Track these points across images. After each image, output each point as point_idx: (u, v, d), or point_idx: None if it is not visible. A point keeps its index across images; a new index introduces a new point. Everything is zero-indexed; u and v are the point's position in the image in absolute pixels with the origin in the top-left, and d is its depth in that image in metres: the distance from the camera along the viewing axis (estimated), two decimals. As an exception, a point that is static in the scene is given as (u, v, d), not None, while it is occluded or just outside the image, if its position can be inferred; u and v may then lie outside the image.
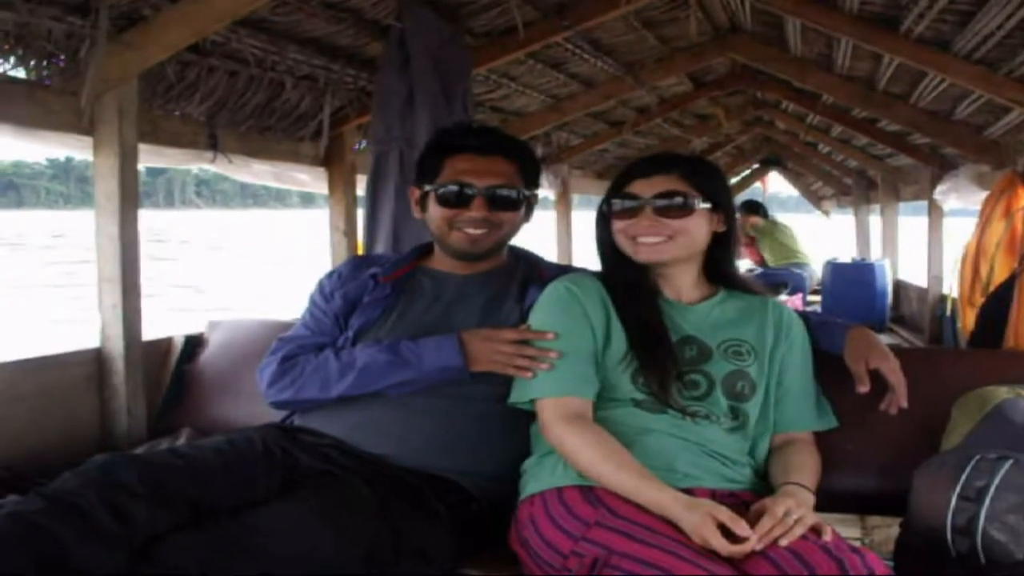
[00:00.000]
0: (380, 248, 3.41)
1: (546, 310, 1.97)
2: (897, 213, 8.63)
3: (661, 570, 1.51)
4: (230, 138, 3.40)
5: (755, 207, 9.29)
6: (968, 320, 4.27)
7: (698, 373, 1.90)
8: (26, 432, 2.47)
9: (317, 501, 1.71)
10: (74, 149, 2.76)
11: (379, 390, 2.02)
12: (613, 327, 1.92)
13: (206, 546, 1.57)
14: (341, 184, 4.10)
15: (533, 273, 2.21)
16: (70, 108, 2.59)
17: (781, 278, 7.50)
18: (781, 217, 10.04)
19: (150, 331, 2.87)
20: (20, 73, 2.56)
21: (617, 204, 1.96)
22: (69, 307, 14.14)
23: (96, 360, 2.71)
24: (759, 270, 8.31)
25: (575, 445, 1.80)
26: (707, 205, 1.92)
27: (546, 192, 6.85)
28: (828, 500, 1.98)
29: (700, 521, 1.59)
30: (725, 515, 1.60)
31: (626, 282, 1.97)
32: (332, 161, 4.07)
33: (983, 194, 4.53)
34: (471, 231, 2.14)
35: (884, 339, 2.68)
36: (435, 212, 2.17)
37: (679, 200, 1.90)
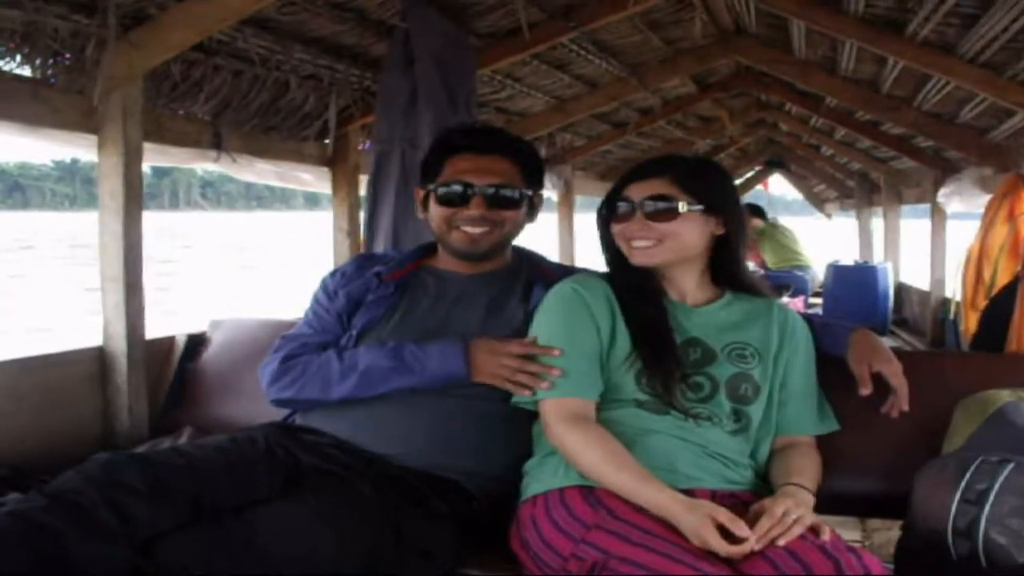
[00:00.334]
0: (379, 247, 3.42)
1: (552, 311, 1.97)
2: (900, 216, 8.63)
3: (657, 573, 1.52)
4: (234, 137, 3.40)
5: (755, 210, 9.28)
6: (970, 323, 4.27)
7: (702, 375, 1.90)
8: (28, 430, 2.48)
9: (319, 500, 1.71)
10: (79, 148, 2.77)
11: (380, 394, 2.03)
12: (618, 328, 1.92)
13: (208, 545, 1.57)
14: (345, 184, 4.10)
15: (537, 273, 2.21)
16: (75, 107, 2.60)
17: (783, 280, 7.50)
18: (784, 220, 10.03)
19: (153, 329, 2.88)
20: (26, 71, 2.57)
21: (611, 207, 1.98)
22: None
23: (98, 359, 2.71)
24: (760, 272, 8.30)
25: (577, 446, 1.80)
26: (699, 208, 1.91)
27: (549, 193, 6.85)
28: (829, 502, 1.98)
29: (699, 522, 1.60)
30: (724, 516, 1.60)
31: (631, 283, 1.97)
32: (336, 161, 4.07)
33: (986, 197, 4.53)
34: (470, 230, 2.14)
35: (886, 342, 2.68)
36: (435, 211, 2.17)
37: (664, 204, 1.90)
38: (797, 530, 1.59)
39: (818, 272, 8.84)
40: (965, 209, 5.33)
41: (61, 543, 1.48)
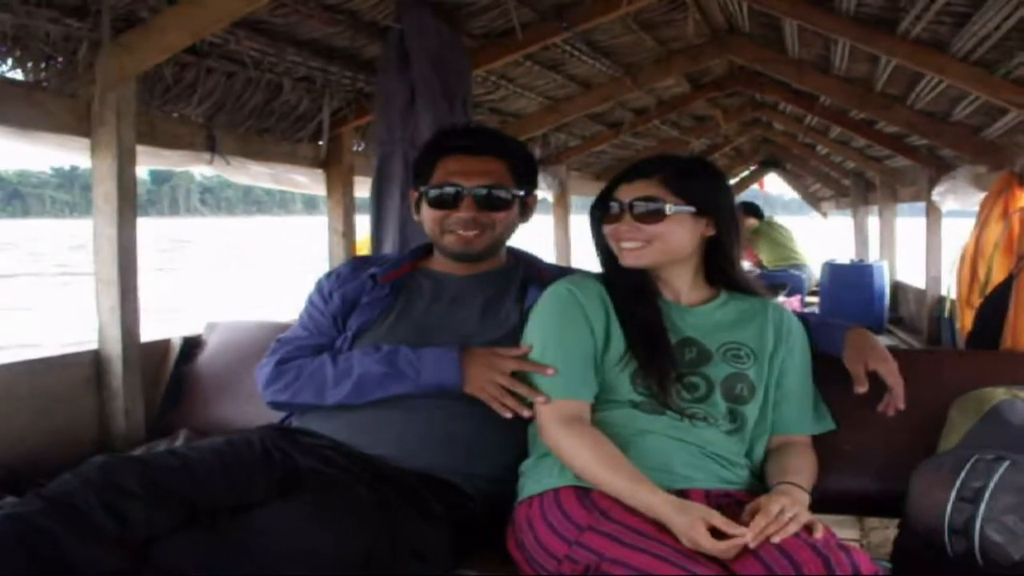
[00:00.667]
0: (388, 250, 3.41)
1: (546, 311, 1.97)
2: (895, 214, 8.64)
3: (649, 575, 1.53)
4: (228, 140, 3.40)
5: (750, 208, 9.29)
6: (966, 321, 4.27)
7: (697, 375, 1.90)
8: (25, 433, 2.47)
9: (315, 502, 1.70)
10: (72, 151, 2.76)
11: (375, 400, 2.02)
12: (612, 329, 1.92)
13: (204, 547, 1.57)
14: (339, 186, 4.10)
15: (532, 274, 2.21)
16: (68, 110, 2.60)
17: (779, 279, 7.50)
18: (780, 218, 10.03)
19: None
20: (18, 75, 2.57)
21: (601, 208, 1.98)
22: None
23: (94, 362, 2.71)
24: (756, 272, 8.31)
25: (571, 447, 1.80)
26: (688, 210, 1.90)
27: (544, 194, 6.85)
28: (826, 501, 1.98)
29: (689, 523, 1.60)
30: (719, 520, 1.61)
31: (625, 284, 1.97)
32: (330, 163, 4.07)
33: (981, 195, 4.53)
34: (462, 232, 2.13)
35: (883, 340, 2.68)
36: (427, 214, 2.17)
37: (651, 206, 1.89)
38: (792, 528, 1.60)
39: (814, 271, 8.85)
40: (960, 207, 5.34)
41: (58, 546, 1.48)
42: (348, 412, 2.04)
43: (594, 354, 1.91)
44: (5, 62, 2.51)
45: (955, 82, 3.89)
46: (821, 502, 1.90)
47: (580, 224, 3.45)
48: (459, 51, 3.66)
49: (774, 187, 14.49)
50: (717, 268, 2.01)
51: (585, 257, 2.58)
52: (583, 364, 1.89)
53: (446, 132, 2.29)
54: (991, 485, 1.69)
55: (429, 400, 2.01)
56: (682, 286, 1.99)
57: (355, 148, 4.26)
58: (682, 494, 1.75)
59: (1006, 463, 1.72)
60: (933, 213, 6.41)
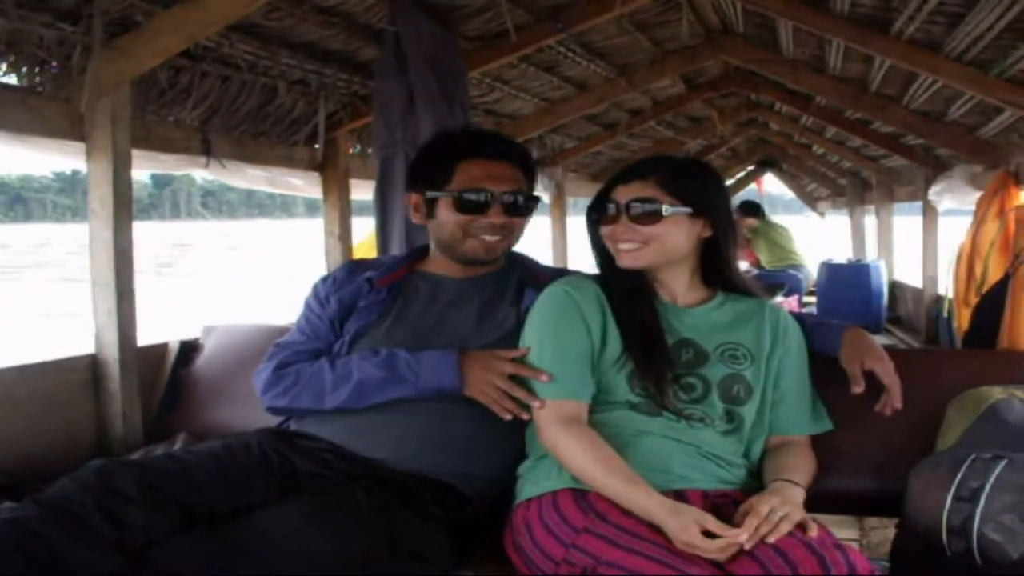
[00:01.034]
0: (394, 251, 3.39)
1: (543, 313, 1.97)
2: (892, 214, 8.65)
3: None
4: (224, 143, 3.40)
5: (751, 208, 9.28)
6: (963, 320, 4.28)
7: (694, 376, 1.90)
8: (22, 438, 2.47)
9: (313, 505, 1.70)
10: (67, 156, 2.76)
11: (374, 404, 2.02)
12: (609, 330, 1.92)
13: (202, 551, 1.57)
14: (336, 188, 4.09)
15: (529, 276, 2.21)
16: (63, 114, 2.59)
17: (777, 280, 7.51)
18: (780, 218, 10.04)
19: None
20: (12, 80, 2.56)
21: (598, 209, 1.98)
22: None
23: (91, 366, 2.71)
24: (755, 271, 8.31)
25: (569, 448, 1.81)
26: (684, 211, 1.90)
27: (540, 195, 6.84)
28: (824, 501, 1.99)
29: (682, 526, 1.61)
30: (712, 523, 1.61)
31: (622, 285, 1.97)
32: (326, 165, 4.07)
33: (977, 194, 4.54)
34: (487, 238, 2.13)
35: (880, 340, 2.68)
36: (449, 218, 2.14)
37: (648, 207, 1.90)
38: (785, 527, 1.60)
39: (812, 271, 8.85)
40: (956, 206, 5.35)
41: (56, 551, 1.48)
42: (346, 415, 2.04)
43: (591, 355, 1.91)
44: (-1, 67, 2.51)
45: (949, 82, 3.89)
46: (819, 502, 1.90)
47: (576, 225, 3.45)
48: (454, 53, 3.66)
49: (774, 187, 14.50)
50: (714, 269, 2.01)
51: (582, 258, 2.58)
52: (580, 365, 1.89)
53: (458, 135, 2.28)
54: (989, 484, 1.69)
55: (427, 403, 2.01)
56: (679, 287, 1.99)
57: (351, 151, 4.26)
58: (680, 494, 1.76)
59: (1003, 462, 1.72)
60: (930, 212, 6.42)
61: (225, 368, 2.88)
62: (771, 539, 1.57)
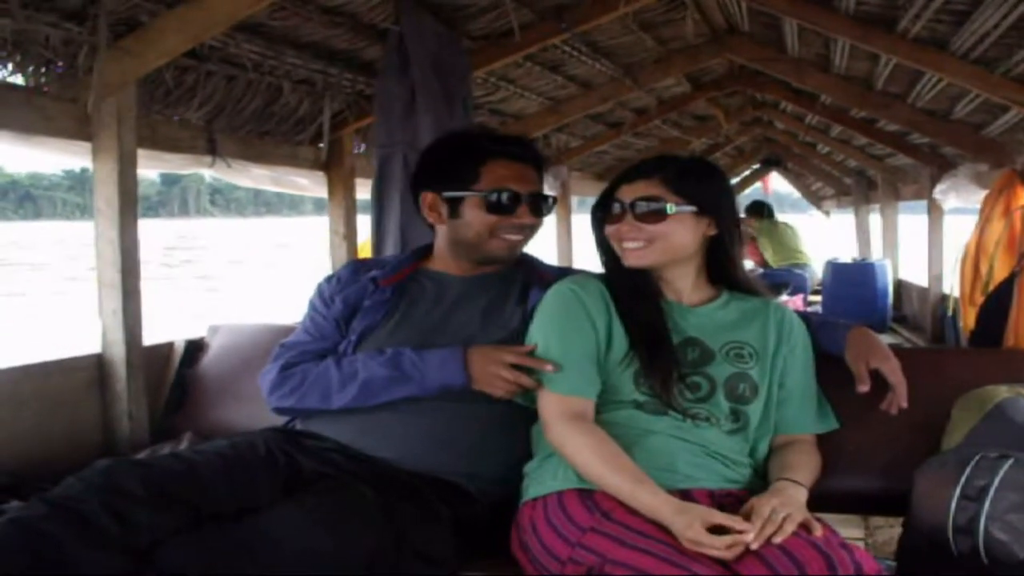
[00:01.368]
0: (389, 251, 3.40)
1: (549, 311, 1.97)
2: (897, 212, 8.63)
3: None
4: (229, 143, 3.40)
5: (757, 207, 9.27)
6: (969, 319, 4.27)
7: (700, 375, 1.90)
8: (28, 438, 2.47)
9: (319, 505, 1.70)
10: (73, 155, 2.77)
11: (380, 403, 2.02)
12: (615, 328, 1.92)
13: (208, 550, 1.57)
14: (341, 188, 4.10)
15: (534, 275, 2.21)
16: (69, 114, 2.60)
17: (782, 279, 7.50)
18: (787, 217, 10.03)
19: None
20: (18, 80, 2.57)
21: (603, 208, 1.98)
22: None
23: (97, 365, 2.71)
24: (760, 271, 8.31)
25: (575, 446, 1.81)
26: (689, 209, 1.90)
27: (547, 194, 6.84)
28: (830, 500, 1.99)
29: (687, 524, 1.60)
30: (719, 517, 1.61)
31: (627, 284, 1.97)
32: (331, 165, 4.07)
33: (982, 193, 4.54)
34: (512, 237, 2.13)
35: (886, 339, 2.68)
36: (477, 218, 2.12)
37: (652, 205, 1.90)
38: (789, 527, 1.59)
39: (817, 270, 8.84)
40: (962, 205, 5.34)
41: (62, 550, 1.48)
42: (352, 415, 2.04)
43: (597, 353, 1.91)
44: (5, 67, 2.51)
45: (955, 80, 3.89)
46: (825, 501, 1.90)
47: (582, 224, 3.45)
48: (459, 53, 3.66)
49: (781, 185, 14.49)
50: (719, 268, 2.01)
51: (587, 257, 2.58)
52: (586, 363, 1.89)
53: (479, 135, 2.29)
54: (995, 483, 1.68)
55: (433, 402, 2.01)
56: (684, 286, 1.99)
57: (356, 150, 4.26)
58: (686, 494, 1.76)
59: (1010, 461, 1.71)
60: (935, 211, 6.41)
61: (231, 367, 2.89)
62: (777, 539, 1.57)
